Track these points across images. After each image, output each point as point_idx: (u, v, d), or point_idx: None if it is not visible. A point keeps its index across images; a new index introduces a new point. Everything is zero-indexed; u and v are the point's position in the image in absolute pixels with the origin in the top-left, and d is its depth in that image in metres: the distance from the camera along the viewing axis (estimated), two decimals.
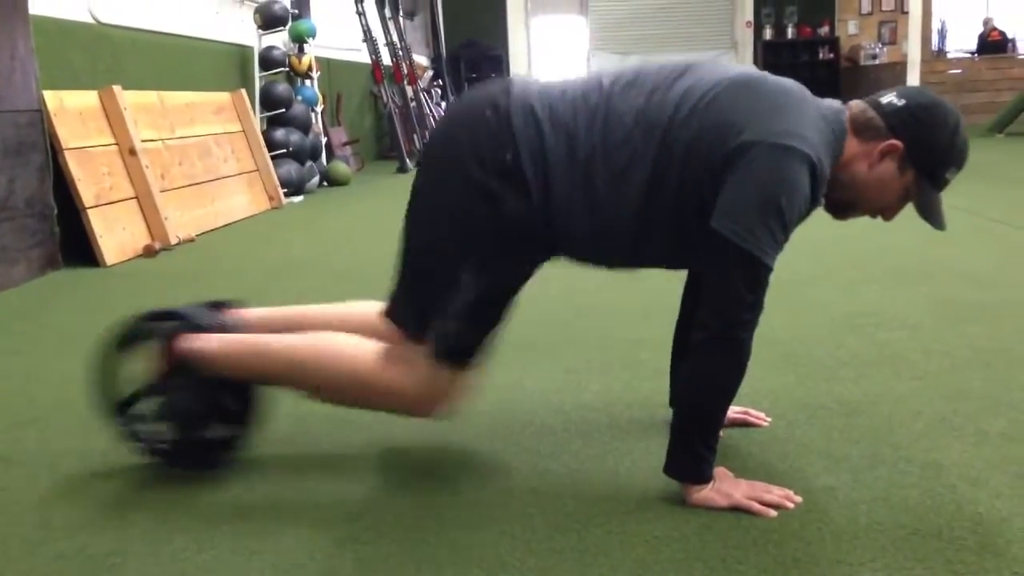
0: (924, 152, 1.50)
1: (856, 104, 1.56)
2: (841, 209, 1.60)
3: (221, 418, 1.77)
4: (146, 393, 1.73)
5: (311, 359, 1.65)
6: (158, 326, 1.75)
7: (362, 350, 1.64)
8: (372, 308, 1.78)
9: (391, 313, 1.70)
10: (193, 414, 1.72)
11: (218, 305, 1.84)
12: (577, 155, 1.50)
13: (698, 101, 1.47)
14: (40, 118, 4.02)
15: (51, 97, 4.14)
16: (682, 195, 1.48)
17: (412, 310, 1.65)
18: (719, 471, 1.56)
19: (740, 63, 14.48)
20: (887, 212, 1.59)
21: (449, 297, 1.56)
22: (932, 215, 1.54)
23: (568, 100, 1.54)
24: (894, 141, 1.49)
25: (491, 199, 1.52)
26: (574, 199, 1.51)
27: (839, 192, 1.53)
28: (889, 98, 1.53)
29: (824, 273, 3.36)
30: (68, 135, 4.19)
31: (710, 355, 1.48)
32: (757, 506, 1.49)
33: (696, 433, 1.52)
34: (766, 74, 1.56)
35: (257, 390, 1.79)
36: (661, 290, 1.76)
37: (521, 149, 1.50)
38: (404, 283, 1.66)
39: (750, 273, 1.43)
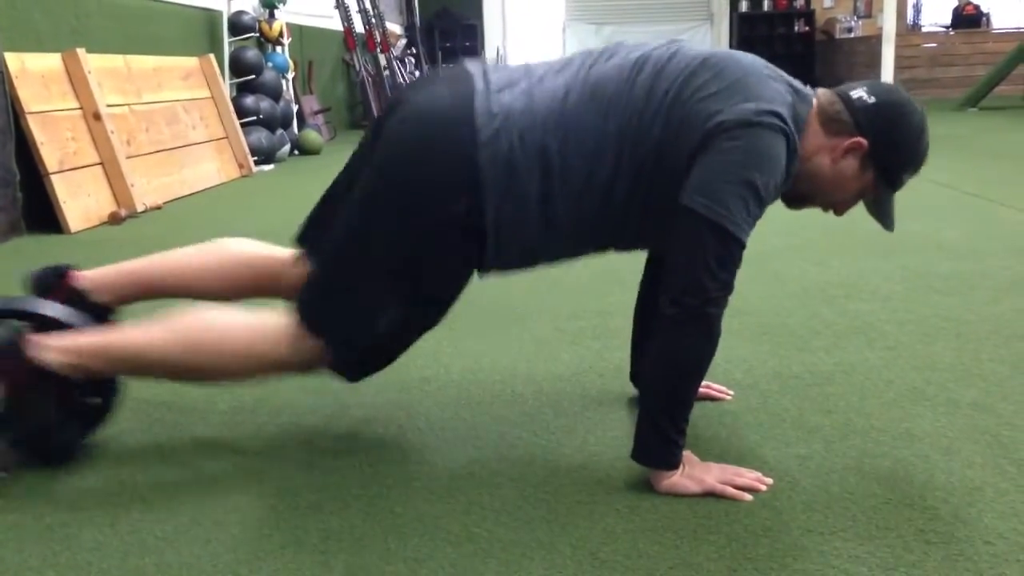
0: (889, 153, 1.48)
1: (825, 94, 1.52)
2: (796, 200, 1.58)
3: (76, 415, 1.64)
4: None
5: (178, 349, 1.53)
6: (8, 336, 1.55)
7: (230, 329, 1.54)
8: (235, 247, 1.71)
9: (302, 312, 1.53)
10: (51, 426, 1.59)
11: (58, 272, 1.67)
12: (553, 188, 1.45)
13: (663, 98, 1.43)
14: (1, 81, 3.92)
15: (12, 59, 4.03)
16: (664, 193, 1.43)
17: (328, 313, 1.53)
18: (685, 455, 1.50)
19: (716, 35, 14.46)
20: (840, 207, 1.58)
21: (368, 316, 1.53)
22: (884, 215, 1.53)
23: (539, 121, 1.44)
24: (860, 139, 1.47)
25: (438, 243, 1.48)
26: (553, 231, 1.48)
27: (798, 183, 1.50)
28: (860, 93, 1.49)
29: (797, 244, 3.36)
30: (30, 98, 4.09)
31: (681, 333, 1.43)
32: (731, 490, 1.45)
33: (666, 415, 1.46)
34: (726, 52, 1.51)
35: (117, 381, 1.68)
36: (631, 259, 1.73)
37: (486, 190, 1.43)
38: (326, 276, 1.55)
39: (723, 248, 1.39)
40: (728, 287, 1.42)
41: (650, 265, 1.78)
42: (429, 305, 1.58)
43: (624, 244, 1.60)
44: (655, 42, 1.56)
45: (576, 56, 1.56)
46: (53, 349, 1.54)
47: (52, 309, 1.61)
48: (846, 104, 1.48)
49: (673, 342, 1.44)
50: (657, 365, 1.47)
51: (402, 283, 1.52)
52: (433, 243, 1.48)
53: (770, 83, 1.45)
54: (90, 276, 1.72)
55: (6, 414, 1.55)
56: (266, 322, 1.54)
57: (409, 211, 1.46)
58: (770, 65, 1.51)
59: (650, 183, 1.45)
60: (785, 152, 1.41)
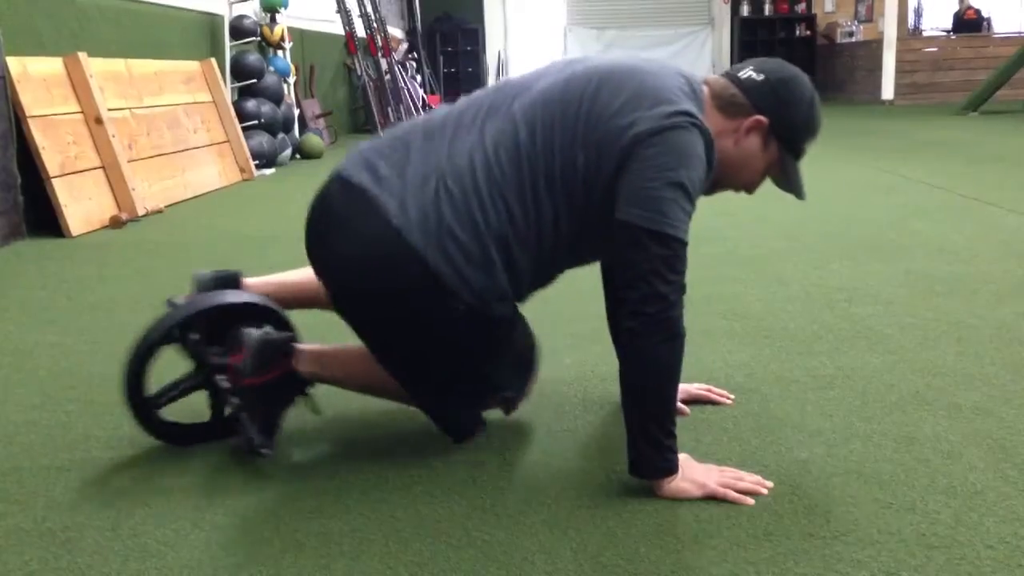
0: (787, 126, 1.52)
1: (715, 79, 1.55)
2: (709, 186, 1.57)
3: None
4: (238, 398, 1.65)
5: (379, 377, 1.64)
6: (278, 339, 1.68)
7: None
8: None
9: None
10: (277, 426, 1.70)
11: (231, 278, 1.80)
12: (512, 253, 1.48)
13: (575, 126, 1.46)
14: (3, 85, 3.92)
15: (14, 63, 4.04)
16: (605, 212, 1.45)
17: (433, 409, 1.67)
18: (684, 458, 1.49)
19: (717, 40, 14.47)
20: (750, 186, 1.60)
21: (463, 392, 1.64)
22: (794, 186, 1.56)
23: (473, 206, 1.46)
24: (759, 117, 1.50)
25: (460, 334, 1.53)
26: (525, 280, 1.55)
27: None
28: (748, 72, 1.52)
29: (798, 248, 3.35)
30: (32, 102, 4.09)
31: (647, 342, 1.42)
32: (733, 494, 1.44)
33: (653, 423, 1.45)
34: (616, 60, 1.54)
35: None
36: None
37: (461, 293, 1.47)
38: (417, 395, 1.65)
39: (669, 252, 1.40)
40: (682, 288, 1.43)
41: (608, 279, 1.80)
42: (500, 344, 1.61)
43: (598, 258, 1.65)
44: (534, 72, 1.59)
45: (456, 111, 1.56)
46: (307, 357, 1.67)
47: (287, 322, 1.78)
48: (737, 85, 1.51)
49: (642, 352, 1.44)
50: (633, 377, 1.47)
51: (476, 359, 1.59)
52: (457, 335, 1.53)
53: (668, 81, 1.49)
54: (257, 287, 1.82)
55: (260, 399, 1.65)
56: None
57: (421, 338, 1.54)
58: (656, 60, 1.56)
59: (586, 208, 1.47)
60: (703, 146, 1.45)
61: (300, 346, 1.70)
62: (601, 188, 1.45)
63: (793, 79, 1.53)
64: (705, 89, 1.53)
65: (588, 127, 1.45)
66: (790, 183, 1.57)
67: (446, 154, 1.50)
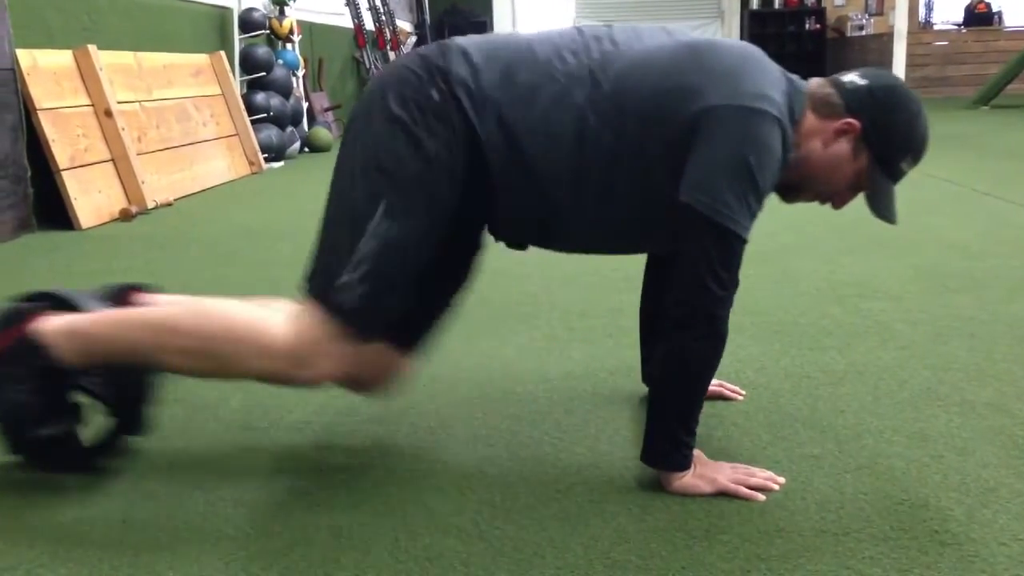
0: (881, 135, 1.43)
1: (816, 81, 1.50)
2: (789, 190, 1.52)
3: (71, 414, 1.53)
4: None
5: (179, 317, 1.44)
6: (16, 306, 1.50)
7: (241, 306, 1.46)
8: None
9: (303, 289, 1.45)
10: (26, 409, 1.46)
11: (126, 289, 1.58)
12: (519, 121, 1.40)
13: (647, 66, 1.40)
14: (13, 77, 3.92)
15: (24, 56, 4.04)
16: (642, 166, 1.40)
17: (318, 272, 1.44)
18: (696, 454, 1.48)
19: (727, 32, 14.42)
20: (836, 198, 1.52)
21: (354, 248, 1.38)
22: (883, 206, 1.46)
23: (505, 59, 1.43)
24: (851, 120, 1.43)
25: (411, 137, 1.39)
26: (529, 160, 1.41)
27: (790, 171, 1.45)
28: (851, 77, 1.47)
29: (807, 242, 3.34)
30: (42, 95, 4.10)
31: (687, 336, 1.40)
32: (744, 491, 1.43)
33: (676, 418, 1.44)
34: (718, 39, 1.49)
35: (130, 379, 1.56)
36: (642, 258, 1.73)
37: (458, 91, 1.39)
38: (316, 246, 1.46)
39: (724, 247, 1.36)
40: (732, 285, 1.40)
41: (650, 267, 1.78)
42: (408, 233, 1.40)
43: (624, 233, 1.53)
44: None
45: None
46: (45, 320, 1.47)
47: (81, 298, 1.52)
48: (837, 88, 1.46)
49: (680, 344, 1.41)
50: (666, 367, 1.45)
51: (379, 198, 1.39)
52: (408, 140, 1.39)
53: (764, 71, 1.42)
54: (158, 299, 1.63)
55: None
56: (272, 313, 1.45)
57: (380, 114, 1.41)
58: (763, 54, 1.48)
59: (628, 143, 1.39)
60: (780, 143, 1.38)
61: (54, 317, 1.47)
62: (651, 143, 1.38)
63: (897, 88, 1.46)
64: (807, 91, 1.47)
65: (665, 77, 1.38)
66: (879, 205, 1.46)
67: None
